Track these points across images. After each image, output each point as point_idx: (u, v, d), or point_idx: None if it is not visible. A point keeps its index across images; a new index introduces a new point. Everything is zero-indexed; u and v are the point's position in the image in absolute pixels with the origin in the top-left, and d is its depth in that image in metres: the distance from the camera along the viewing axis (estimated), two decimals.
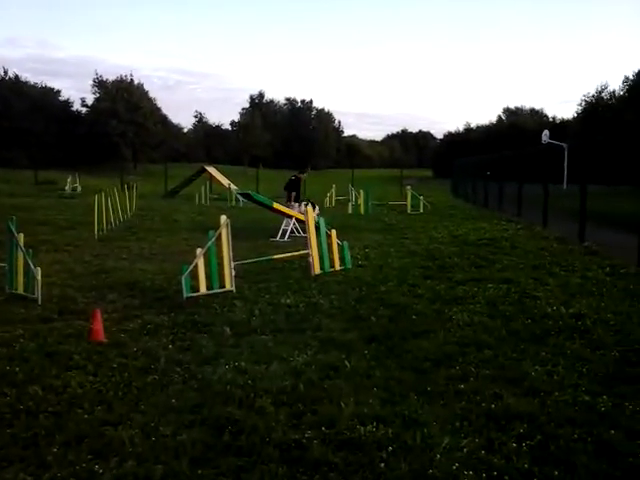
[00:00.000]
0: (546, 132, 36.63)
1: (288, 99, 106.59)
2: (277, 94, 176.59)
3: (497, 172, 22.09)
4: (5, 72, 64.35)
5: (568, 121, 59.33)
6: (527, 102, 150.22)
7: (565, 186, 27.81)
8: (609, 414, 3.85)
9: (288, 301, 7.11)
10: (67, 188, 32.94)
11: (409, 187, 24.14)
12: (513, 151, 20.49)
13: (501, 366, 4.81)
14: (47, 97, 66.08)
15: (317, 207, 15.79)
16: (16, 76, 65.17)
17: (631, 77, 47.84)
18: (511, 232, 14.36)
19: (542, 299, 7.12)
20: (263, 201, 14.63)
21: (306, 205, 13.08)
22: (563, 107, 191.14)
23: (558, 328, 5.87)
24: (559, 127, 54.61)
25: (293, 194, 15.78)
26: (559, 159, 28.23)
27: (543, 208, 15.55)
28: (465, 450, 3.39)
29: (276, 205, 14.08)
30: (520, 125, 67.06)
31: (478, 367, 4.78)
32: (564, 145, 29.34)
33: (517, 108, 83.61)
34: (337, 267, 9.17)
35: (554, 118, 71.20)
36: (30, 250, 7.46)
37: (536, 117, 77.08)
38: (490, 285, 7.94)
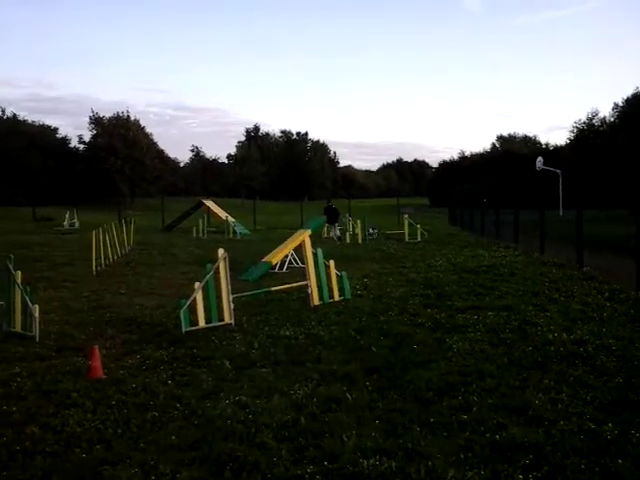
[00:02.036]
0: (540, 159, 36.99)
1: (284, 131, 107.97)
2: (273, 127, 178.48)
3: (493, 199, 22.22)
4: (3, 111, 65.20)
5: (561, 147, 59.97)
6: (520, 129, 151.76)
7: (561, 212, 27.96)
8: (615, 442, 3.80)
9: (287, 333, 7.07)
10: (65, 224, 32.98)
11: (406, 216, 24.21)
12: (508, 178, 20.63)
13: (504, 395, 4.76)
14: (45, 135, 66.70)
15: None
16: (14, 115, 65.97)
17: (621, 104, 48.57)
18: (509, 259, 14.37)
19: (543, 326, 7.09)
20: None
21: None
22: (555, 134, 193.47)
23: (560, 355, 5.83)
24: (552, 153, 55.15)
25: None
26: (554, 185, 28.44)
27: (540, 234, 15.60)
28: None
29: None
30: (514, 152, 67.74)
31: (481, 396, 4.73)
32: (558, 171, 29.60)
33: (510, 135, 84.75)
34: (336, 297, 9.14)
35: (547, 144, 71.97)
36: (28, 287, 7.43)
37: (529, 144, 77.98)
38: (490, 313, 7.91)
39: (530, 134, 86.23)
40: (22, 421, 4.39)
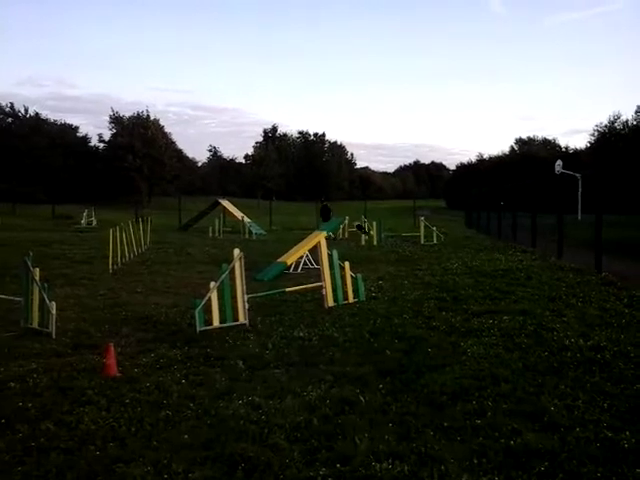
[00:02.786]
0: (559, 162, 36.58)
1: (301, 132, 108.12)
2: (290, 128, 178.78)
3: (511, 202, 22.04)
4: (26, 110, 66.09)
5: (581, 151, 59.32)
6: (539, 132, 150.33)
7: (580, 216, 27.66)
8: (633, 451, 3.73)
9: (301, 334, 7.06)
10: (83, 222, 33.37)
11: (422, 218, 24.11)
12: (526, 181, 20.44)
13: (519, 400, 4.71)
14: (66, 133, 67.54)
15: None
16: (36, 114, 66.83)
17: None
18: (526, 263, 14.23)
19: (559, 331, 7.00)
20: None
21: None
22: (575, 137, 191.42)
23: (577, 361, 5.76)
24: (571, 157, 54.57)
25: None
26: (573, 189, 28.15)
27: (558, 238, 15.43)
28: None
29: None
30: (533, 155, 67.12)
31: (495, 401, 4.68)
32: (578, 175, 29.29)
33: (529, 138, 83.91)
34: (351, 299, 9.12)
35: (566, 148, 71.23)
36: (46, 284, 7.52)
37: (548, 147, 77.19)
38: (506, 317, 7.84)
39: (549, 137, 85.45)
40: (38, 417, 4.43)
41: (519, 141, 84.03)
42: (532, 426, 4.17)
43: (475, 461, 3.63)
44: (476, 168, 76.52)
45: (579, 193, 29.68)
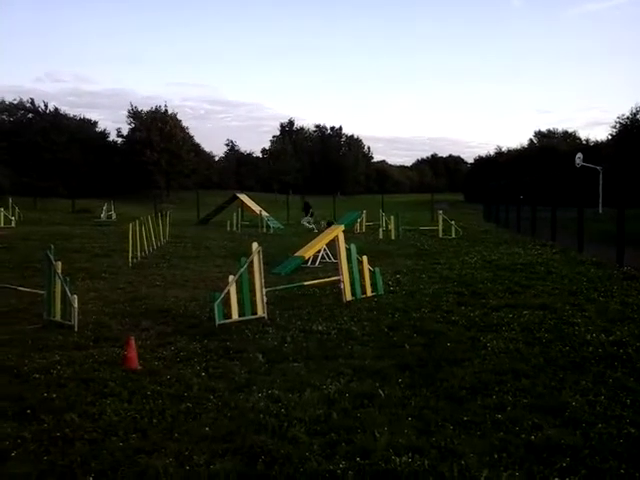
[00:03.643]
0: (579, 155, 36.06)
1: (318, 126, 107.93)
2: (307, 121, 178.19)
3: (530, 196, 21.81)
4: (46, 106, 66.81)
5: (602, 143, 58.39)
6: (559, 125, 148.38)
7: (601, 209, 27.29)
8: None
9: (320, 328, 7.08)
10: (102, 216, 33.73)
11: (441, 212, 23.96)
12: (546, 174, 20.20)
13: (540, 395, 4.68)
14: (84, 128, 68.18)
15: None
16: (56, 109, 67.55)
17: None
18: (546, 257, 14.09)
19: (580, 325, 6.93)
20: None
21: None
22: (595, 129, 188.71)
23: (598, 356, 5.70)
24: (592, 149, 53.67)
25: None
26: (594, 182, 27.76)
27: (578, 232, 15.25)
28: None
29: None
30: (552, 148, 66.22)
31: (515, 396, 4.66)
32: (599, 168, 28.87)
33: (549, 131, 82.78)
34: (369, 293, 9.12)
35: (587, 140, 70.08)
36: (68, 278, 7.62)
37: (569, 140, 76.11)
38: (525, 311, 7.78)
39: (570, 130, 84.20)
40: (62, 408, 4.51)
41: (538, 134, 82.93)
42: (553, 421, 4.14)
43: (495, 456, 3.62)
44: (495, 161, 75.74)
45: (600, 186, 29.26)
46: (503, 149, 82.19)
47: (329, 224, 24.43)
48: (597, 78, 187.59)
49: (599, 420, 4.13)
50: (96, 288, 10.17)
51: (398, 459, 3.57)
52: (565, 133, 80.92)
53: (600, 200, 28.78)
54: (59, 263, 7.61)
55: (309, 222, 28.13)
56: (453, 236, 21.36)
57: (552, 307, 8.02)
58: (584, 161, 34.42)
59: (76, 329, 7.02)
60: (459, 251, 15.93)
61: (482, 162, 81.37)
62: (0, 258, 14.38)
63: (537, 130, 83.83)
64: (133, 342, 5.68)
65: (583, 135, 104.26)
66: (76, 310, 7.15)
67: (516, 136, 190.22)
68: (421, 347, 6.18)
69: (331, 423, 4.18)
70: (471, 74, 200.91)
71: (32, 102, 66.19)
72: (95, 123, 72.14)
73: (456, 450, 3.70)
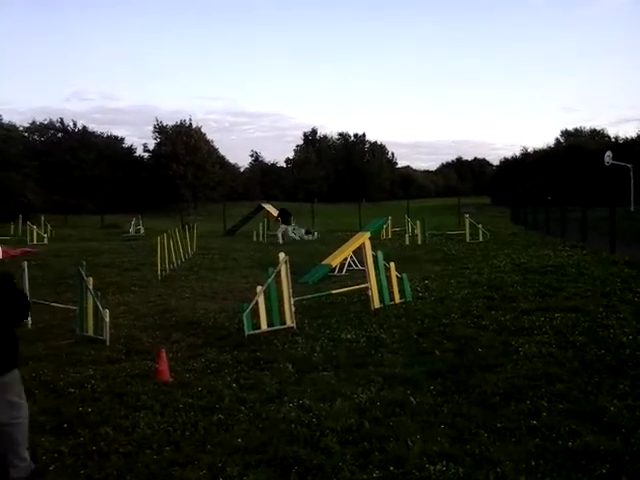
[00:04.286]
0: (609, 153, 35.38)
1: (341, 134, 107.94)
2: (330, 130, 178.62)
3: (558, 196, 21.46)
4: (74, 125, 68.29)
5: (632, 140, 57.18)
6: (586, 123, 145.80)
7: (632, 207, 26.72)
8: None
9: (349, 336, 7.06)
10: (131, 231, 34.22)
11: (467, 215, 23.72)
12: (575, 174, 19.88)
13: (576, 400, 4.58)
14: (112, 145, 69.46)
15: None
16: (84, 127, 68.98)
17: None
18: (577, 258, 13.82)
19: (615, 328, 6.78)
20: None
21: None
22: (624, 126, 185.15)
23: (635, 359, 5.56)
24: (622, 147, 52.56)
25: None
26: (625, 180, 27.21)
27: (610, 232, 14.93)
28: None
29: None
30: (580, 147, 65.11)
31: (551, 401, 4.57)
32: (629, 165, 28.30)
33: (576, 130, 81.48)
34: (397, 300, 9.06)
35: (616, 138, 68.70)
36: (99, 293, 7.74)
37: (597, 138, 74.77)
38: (558, 314, 7.64)
39: (597, 127, 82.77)
40: (97, 422, 4.58)
41: (565, 133, 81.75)
42: (591, 427, 4.05)
43: (532, 463, 3.56)
44: (521, 162, 74.73)
45: (631, 184, 28.67)
46: (529, 150, 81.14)
47: (307, 232, 24.87)
48: (625, 74, 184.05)
49: (639, 425, 4.02)
50: (126, 302, 10.31)
51: (432, 467, 3.54)
52: (593, 131, 79.56)
53: (632, 198, 28.18)
54: (90, 279, 7.74)
55: (294, 231, 26.33)
56: (481, 240, 21.11)
57: (585, 309, 7.86)
58: (614, 159, 33.78)
59: (108, 343, 7.13)
60: (487, 255, 15.74)
61: (508, 164, 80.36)
62: (34, 275, 14.67)
63: (564, 129, 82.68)
64: (164, 355, 5.75)
65: (612, 133, 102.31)
66: (107, 324, 7.26)
67: (542, 136, 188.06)
68: (452, 353, 6.11)
69: (363, 432, 4.16)
70: (494, 75, 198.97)
71: (61, 121, 67.73)
72: (122, 139, 73.41)
73: (491, 457, 3.64)
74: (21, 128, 63.76)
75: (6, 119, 59.03)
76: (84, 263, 7.98)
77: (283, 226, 25.22)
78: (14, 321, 3.88)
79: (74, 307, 7.96)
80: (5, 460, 3.78)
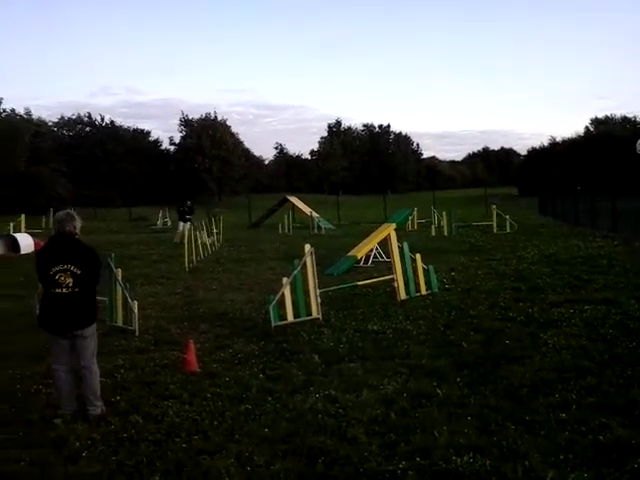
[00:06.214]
0: None
1: (366, 125, 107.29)
2: (355, 121, 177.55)
3: (588, 186, 21.05)
4: (102, 119, 69.28)
5: None
6: (617, 110, 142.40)
7: None
8: None
9: (375, 327, 7.06)
10: (158, 223, 34.64)
11: (494, 206, 23.44)
12: (605, 162, 19.48)
13: (606, 393, 4.51)
14: (138, 139, 70.27)
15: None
16: (112, 121, 69.92)
17: None
18: (607, 249, 13.56)
19: None
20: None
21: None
22: None
23: None
24: None
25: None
26: None
27: None
28: None
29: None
30: (610, 134, 63.62)
31: (580, 395, 4.51)
32: None
33: (607, 117, 79.61)
34: (423, 291, 9.02)
35: None
36: (128, 284, 7.87)
37: (628, 125, 72.94)
38: (587, 306, 7.52)
39: (629, 114, 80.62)
40: (127, 410, 4.67)
41: (595, 120, 79.93)
42: (622, 420, 3.98)
43: (561, 456, 3.52)
44: (549, 152, 73.42)
45: None
46: (557, 139, 79.63)
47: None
48: None
49: None
50: (154, 293, 10.46)
51: (459, 459, 3.52)
52: (624, 118, 77.62)
53: None
54: (119, 270, 7.87)
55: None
56: (508, 231, 20.85)
57: (616, 302, 7.72)
58: None
59: (137, 334, 7.24)
60: (515, 246, 15.54)
61: (536, 153, 78.95)
62: None
63: (593, 117, 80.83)
64: (192, 345, 5.82)
65: None
66: (136, 315, 7.37)
67: (570, 125, 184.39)
68: (479, 345, 6.07)
69: (390, 423, 4.16)
70: (521, 63, 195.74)
71: (89, 116, 68.76)
72: (148, 133, 74.24)
73: (519, 450, 3.61)
74: (50, 123, 64.88)
75: (35, 115, 60.02)
76: (113, 255, 8.10)
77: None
78: (95, 284, 4.87)
79: (103, 298, 8.09)
80: (85, 400, 4.64)
